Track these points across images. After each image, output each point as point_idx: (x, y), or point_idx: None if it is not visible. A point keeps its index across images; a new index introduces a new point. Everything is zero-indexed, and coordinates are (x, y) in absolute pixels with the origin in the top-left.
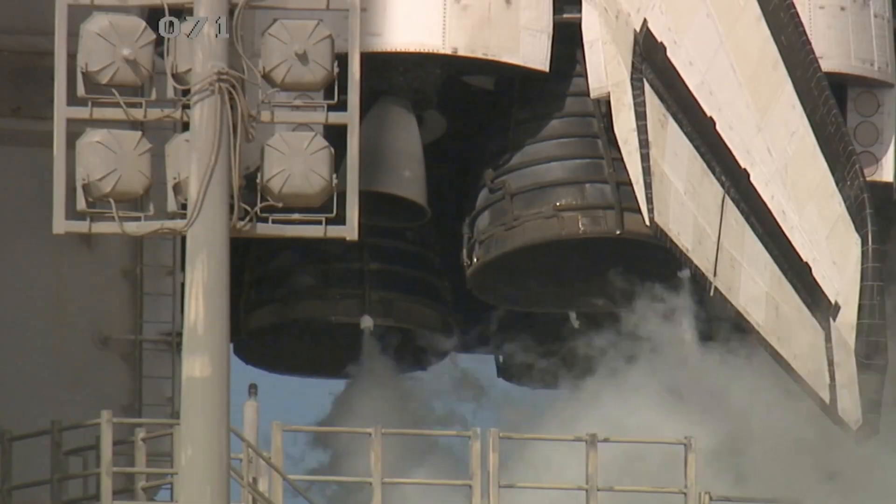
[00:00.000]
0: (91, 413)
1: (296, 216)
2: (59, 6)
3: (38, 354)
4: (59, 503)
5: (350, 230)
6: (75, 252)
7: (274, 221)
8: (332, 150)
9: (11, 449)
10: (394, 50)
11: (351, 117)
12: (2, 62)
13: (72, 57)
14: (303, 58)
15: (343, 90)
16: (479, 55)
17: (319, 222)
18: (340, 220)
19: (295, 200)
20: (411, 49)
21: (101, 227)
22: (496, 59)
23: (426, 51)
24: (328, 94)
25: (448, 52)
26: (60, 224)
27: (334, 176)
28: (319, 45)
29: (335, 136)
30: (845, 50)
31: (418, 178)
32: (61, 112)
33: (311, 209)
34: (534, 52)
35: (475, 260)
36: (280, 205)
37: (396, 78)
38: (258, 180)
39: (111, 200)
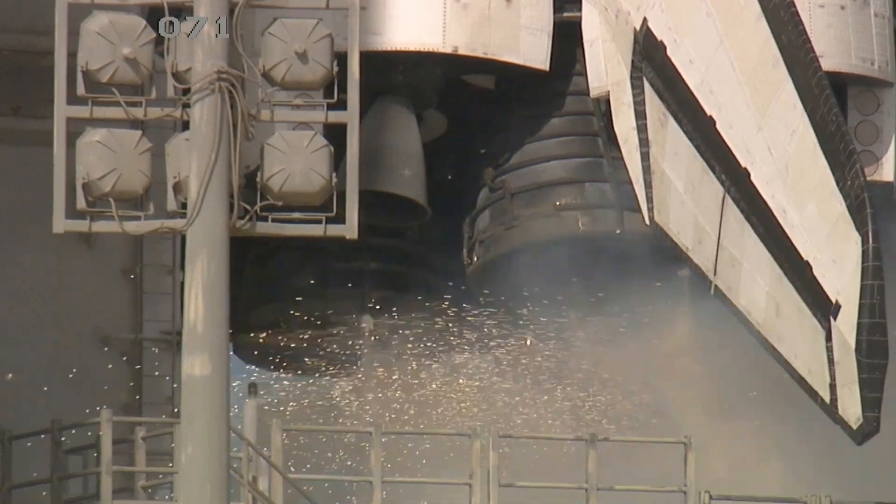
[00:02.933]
0: (91, 412)
1: (296, 215)
2: (59, 5)
3: (38, 354)
4: (59, 502)
5: (350, 229)
6: (75, 252)
7: (274, 220)
8: (332, 148)
9: (11, 448)
10: (394, 49)
11: (351, 116)
12: (2, 62)
13: (72, 56)
14: (303, 57)
15: (343, 89)
16: (480, 54)
17: (319, 221)
18: (340, 219)
19: (295, 199)
20: (411, 48)
21: (100, 227)
22: (496, 58)
23: (426, 50)
24: (328, 93)
25: (448, 51)
26: (60, 223)
27: (334, 175)
28: (319, 43)
29: (335, 135)
30: (845, 49)
31: (418, 178)
32: (61, 111)
33: (311, 208)
34: (534, 51)
35: (475, 259)
36: (280, 203)
37: (396, 77)
38: (258, 179)
39: (111, 199)
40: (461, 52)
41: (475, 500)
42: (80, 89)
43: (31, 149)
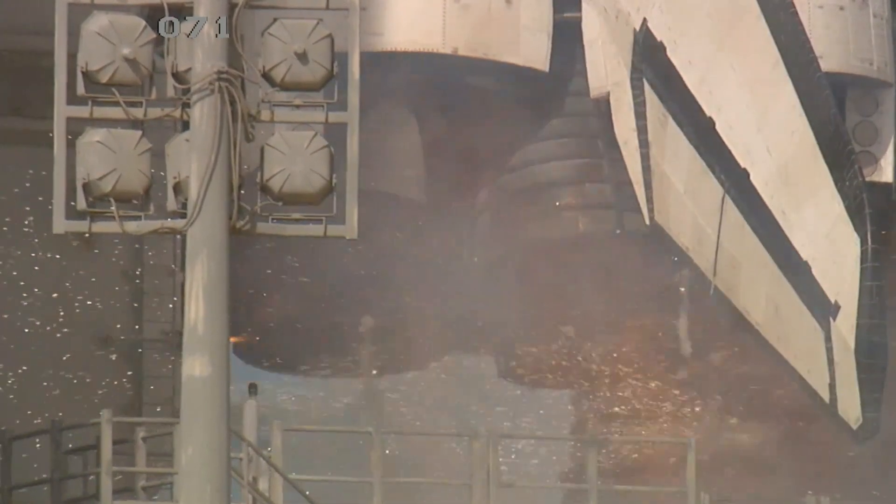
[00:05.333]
0: (91, 413)
1: (296, 215)
2: (58, 5)
3: (38, 354)
4: (59, 503)
5: (350, 229)
6: (75, 252)
7: (274, 221)
8: (332, 149)
9: (12, 449)
10: (394, 49)
11: (351, 117)
12: (2, 62)
13: (72, 56)
14: (303, 57)
15: (343, 89)
16: (480, 55)
17: (319, 221)
18: (340, 219)
19: (295, 199)
20: (411, 48)
21: (101, 227)
22: (496, 58)
23: (426, 50)
24: (328, 93)
25: (448, 51)
26: (60, 224)
27: (334, 175)
28: (319, 44)
29: (335, 135)
30: (844, 49)
31: (418, 178)
32: (61, 111)
33: (312, 208)
34: (534, 52)
35: (475, 260)
36: (280, 204)
37: (397, 78)
38: (258, 179)
39: (111, 200)
40: (461, 52)
41: (475, 501)
42: (80, 89)
43: (31, 149)
